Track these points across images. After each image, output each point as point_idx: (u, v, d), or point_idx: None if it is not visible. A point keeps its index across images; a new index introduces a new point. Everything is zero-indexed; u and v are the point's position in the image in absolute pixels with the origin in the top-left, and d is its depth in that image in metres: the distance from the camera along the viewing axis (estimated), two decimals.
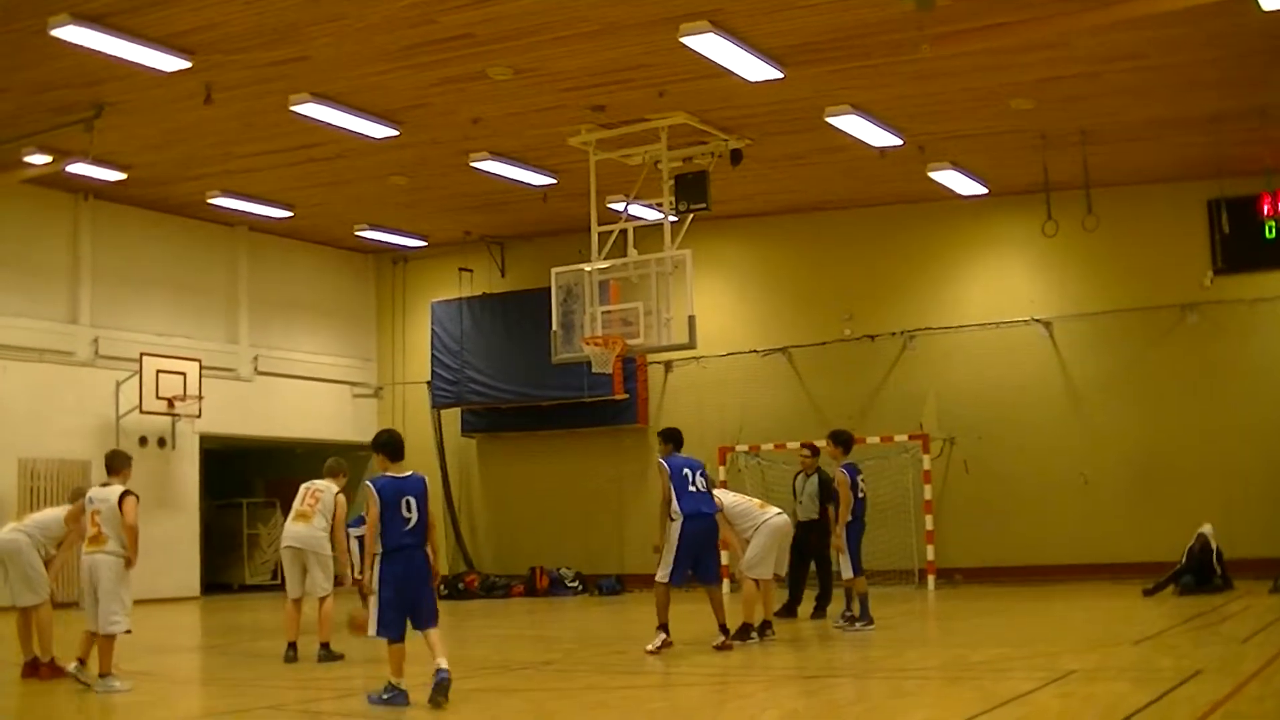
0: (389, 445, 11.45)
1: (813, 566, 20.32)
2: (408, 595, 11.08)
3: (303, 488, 16.10)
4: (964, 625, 19.30)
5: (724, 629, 15.39)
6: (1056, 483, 26.13)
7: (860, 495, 17.57)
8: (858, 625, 17.17)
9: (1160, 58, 19.58)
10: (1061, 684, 11.34)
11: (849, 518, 17.32)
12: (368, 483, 11.20)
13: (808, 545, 19.81)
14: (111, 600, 12.98)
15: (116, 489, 13.31)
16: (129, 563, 13.18)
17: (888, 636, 16.59)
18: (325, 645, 15.27)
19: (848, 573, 17.30)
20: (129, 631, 13.22)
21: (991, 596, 22.98)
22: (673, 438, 15.95)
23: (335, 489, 15.95)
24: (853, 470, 17.60)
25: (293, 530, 15.83)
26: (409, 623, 11.23)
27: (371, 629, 11.09)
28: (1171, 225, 25.79)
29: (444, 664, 10.93)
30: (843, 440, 18.03)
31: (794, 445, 26.19)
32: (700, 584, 15.78)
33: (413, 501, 11.11)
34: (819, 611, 19.67)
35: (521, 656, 16.30)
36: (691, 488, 15.37)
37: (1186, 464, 25.07)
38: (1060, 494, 26.04)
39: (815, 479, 19.78)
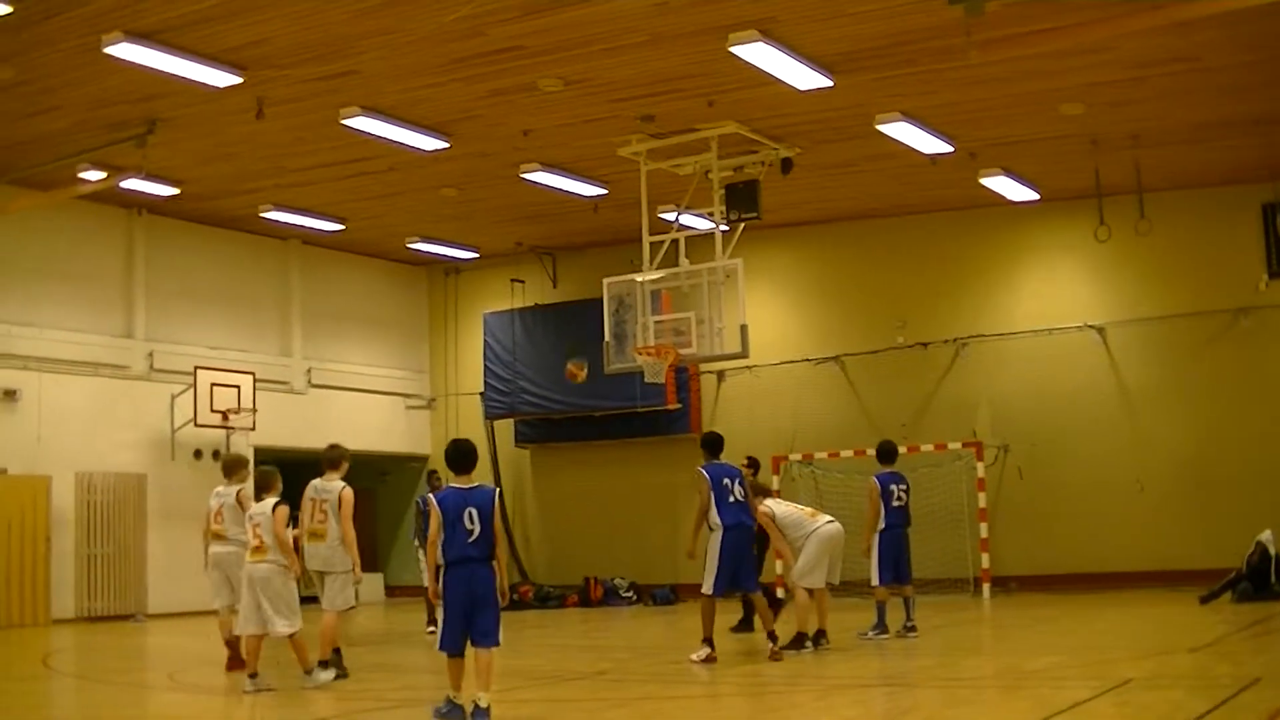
0: (449, 457, 11.12)
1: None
2: (469, 609, 10.64)
3: (310, 499, 14.82)
4: (1019, 633, 19.21)
5: (772, 636, 15.34)
6: (1111, 489, 25.98)
7: (897, 504, 17.43)
8: (871, 634, 17.11)
9: (1210, 60, 19.49)
10: (1118, 692, 11.26)
11: (880, 525, 17.26)
12: (430, 495, 10.97)
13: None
14: (280, 605, 13.52)
15: (270, 502, 13.76)
16: (290, 569, 13.72)
17: (942, 644, 16.54)
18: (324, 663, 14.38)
19: (875, 579, 17.26)
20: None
21: (1046, 604, 22.86)
22: (711, 445, 15.89)
23: (339, 486, 14.73)
24: (885, 479, 17.46)
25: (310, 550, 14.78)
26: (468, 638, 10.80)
27: (437, 642, 10.78)
28: (1225, 229, 25.65)
29: (484, 700, 10.49)
30: (882, 451, 17.95)
31: (848, 454, 26.31)
32: (742, 592, 15.76)
33: (475, 513, 10.63)
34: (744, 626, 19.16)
35: (576, 666, 16.32)
36: (731, 498, 15.27)
37: (1242, 469, 24.86)
38: (1115, 500, 25.89)
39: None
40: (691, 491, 15.71)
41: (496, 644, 10.76)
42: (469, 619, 10.67)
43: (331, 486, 14.60)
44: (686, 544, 15.51)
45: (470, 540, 10.60)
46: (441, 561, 10.68)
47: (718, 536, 15.12)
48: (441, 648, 10.73)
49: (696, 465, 15.66)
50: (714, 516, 15.13)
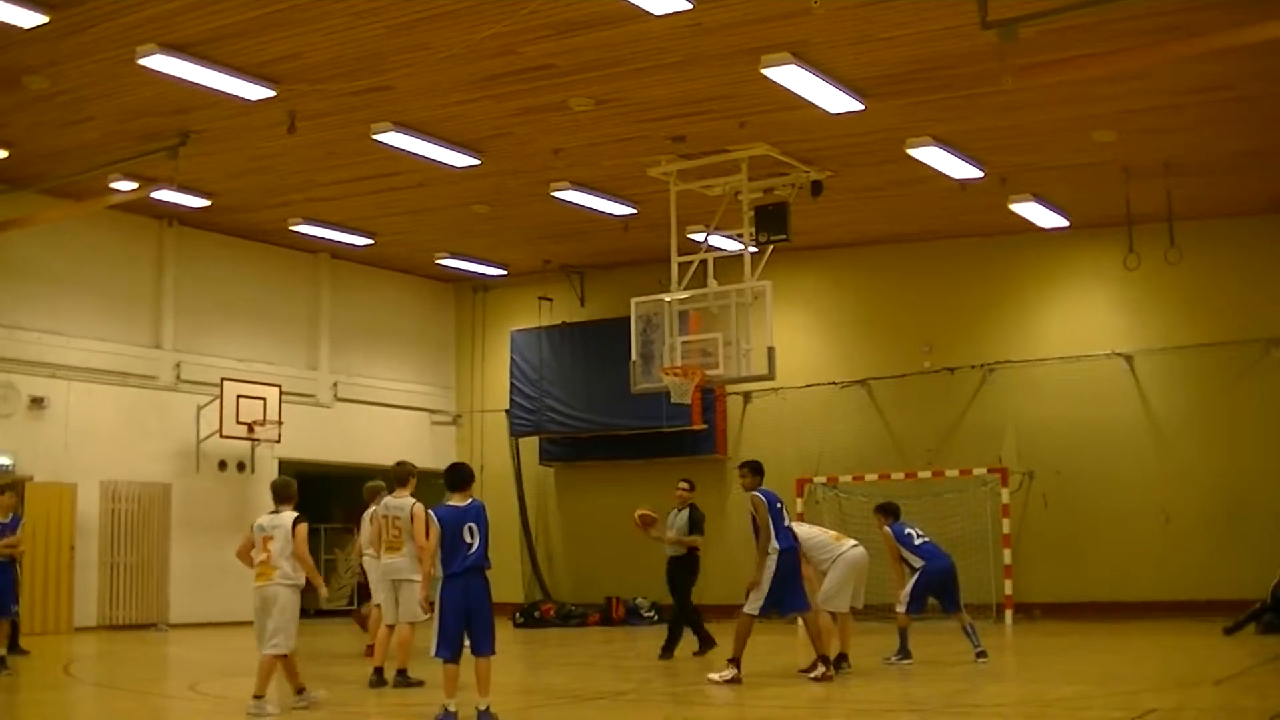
0: (448, 478, 11.83)
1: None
2: (466, 619, 11.24)
3: (383, 516, 15.76)
4: (1042, 661, 19.12)
5: (824, 659, 15.28)
6: (1137, 518, 25.87)
7: (921, 541, 17.39)
8: (894, 660, 17.00)
9: (1244, 89, 19.46)
10: None
11: (919, 563, 17.16)
12: (430, 511, 11.65)
13: (679, 581, 19.66)
14: (283, 623, 13.10)
15: (290, 516, 13.10)
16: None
17: (965, 671, 16.45)
18: (402, 671, 15.21)
19: (902, 607, 17.14)
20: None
21: (1070, 632, 22.76)
22: (760, 470, 15.80)
23: (410, 503, 15.50)
24: (897, 528, 17.43)
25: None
26: (467, 647, 11.40)
27: (432, 649, 11.29)
28: (1256, 259, 25.57)
29: (483, 704, 11.17)
30: (889, 510, 17.77)
31: (872, 477, 26.24)
32: (794, 614, 15.70)
33: (474, 527, 11.36)
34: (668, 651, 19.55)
35: (597, 686, 16.29)
36: (784, 521, 15.34)
37: (1269, 500, 24.69)
38: (1140, 530, 25.77)
39: (686, 513, 19.58)
40: (715, 512, 15.63)
41: (492, 652, 11.39)
42: (468, 628, 11.28)
43: (403, 503, 15.37)
44: (723, 566, 15.44)
45: (470, 552, 11.31)
46: (441, 574, 11.31)
47: (774, 560, 15.05)
48: (438, 654, 11.25)
49: (742, 489, 15.67)
50: (773, 540, 15.09)
